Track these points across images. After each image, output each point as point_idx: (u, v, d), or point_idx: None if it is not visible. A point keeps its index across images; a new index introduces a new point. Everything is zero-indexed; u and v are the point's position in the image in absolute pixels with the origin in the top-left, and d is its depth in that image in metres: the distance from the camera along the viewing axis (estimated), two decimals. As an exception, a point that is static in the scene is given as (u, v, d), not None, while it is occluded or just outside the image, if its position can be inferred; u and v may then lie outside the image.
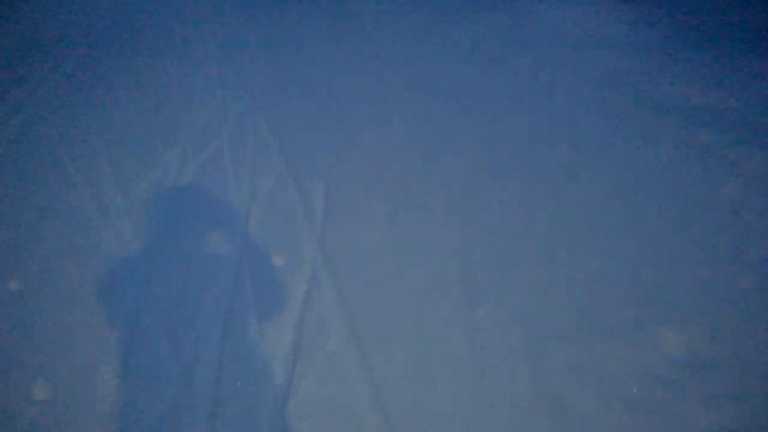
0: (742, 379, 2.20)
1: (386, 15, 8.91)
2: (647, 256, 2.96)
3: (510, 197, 3.58)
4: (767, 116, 4.47)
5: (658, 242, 3.06)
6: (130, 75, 6.12)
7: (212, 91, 5.67)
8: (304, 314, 2.63)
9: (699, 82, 5.38)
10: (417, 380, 2.26)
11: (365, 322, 2.57)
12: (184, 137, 4.56)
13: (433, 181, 3.86)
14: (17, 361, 2.37)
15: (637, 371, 2.25)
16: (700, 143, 4.04)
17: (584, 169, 3.86)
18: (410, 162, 4.14)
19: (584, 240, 3.11)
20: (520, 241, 3.14)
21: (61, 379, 2.27)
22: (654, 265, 2.89)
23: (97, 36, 8.13)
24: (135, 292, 2.80)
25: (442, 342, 2.45)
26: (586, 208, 3.40)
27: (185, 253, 3.11)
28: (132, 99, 5.41)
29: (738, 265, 2.85)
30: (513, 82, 5.75)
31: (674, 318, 2.52)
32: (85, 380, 2.27)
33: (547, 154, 4.12)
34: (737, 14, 9.08)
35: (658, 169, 3.79)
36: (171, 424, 2.10)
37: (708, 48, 6.76)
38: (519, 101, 5.22)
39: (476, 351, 2.38)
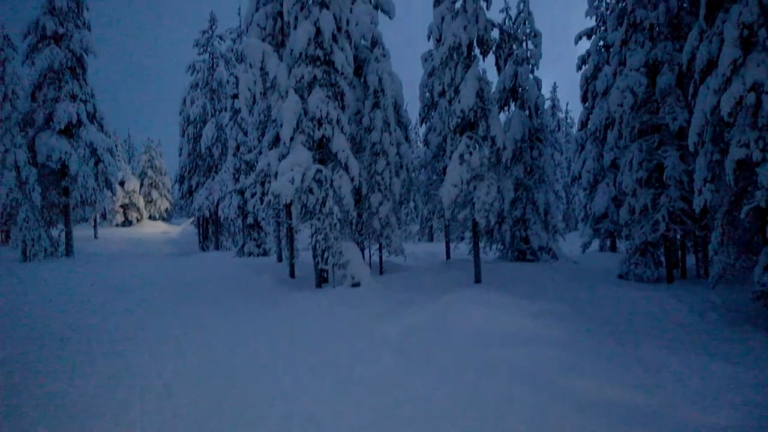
0: None
1: (310, 313, 9.47)
2: None
3: None
4: (683, 413, 4.73)
5: None
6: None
7: (133, 403, 5.43)
8: None
9: (609, 374, 5.81)
10: None
11: None
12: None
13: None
14: None
15: None
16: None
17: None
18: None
19: None
20: None
21: None
22: None
23: (22, 346, 7.95)
24: None
25: None
26: None
27: None
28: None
29: None
30: (439, 380, 5.95)
31: None
32: None
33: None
34: (629, 305, 10.35)
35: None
36: None
37: (611, 338, 7.50)
38: (447, 399, 5.34)
39: None
